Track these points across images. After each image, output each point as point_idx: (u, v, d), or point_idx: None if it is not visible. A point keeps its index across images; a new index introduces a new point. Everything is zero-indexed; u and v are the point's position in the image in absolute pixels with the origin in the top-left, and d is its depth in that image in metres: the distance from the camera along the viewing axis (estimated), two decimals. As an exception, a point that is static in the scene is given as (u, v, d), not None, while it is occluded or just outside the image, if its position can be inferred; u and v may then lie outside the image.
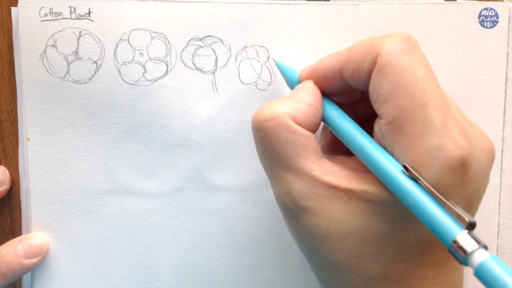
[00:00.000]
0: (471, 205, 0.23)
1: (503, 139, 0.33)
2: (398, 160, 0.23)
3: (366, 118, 0.27)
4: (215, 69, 0.32)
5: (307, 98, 0.25)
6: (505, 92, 0.33)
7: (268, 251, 0.33)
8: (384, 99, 0.23)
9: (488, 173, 0.24)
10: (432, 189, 0.21)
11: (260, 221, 0.32)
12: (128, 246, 0.33)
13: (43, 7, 0.31)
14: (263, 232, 0.33)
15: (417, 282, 0.23)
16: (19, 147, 0.32)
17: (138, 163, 0.32)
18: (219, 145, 0.32)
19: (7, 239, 0.32)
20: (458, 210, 0.20)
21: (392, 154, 0.23)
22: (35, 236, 0.32)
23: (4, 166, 0.33)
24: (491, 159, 0.24)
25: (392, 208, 0.23)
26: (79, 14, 0.31)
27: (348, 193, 0.23)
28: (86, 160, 0.32)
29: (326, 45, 0.32)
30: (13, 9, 0.31)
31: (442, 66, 0.32)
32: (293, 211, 0.24)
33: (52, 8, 0.31)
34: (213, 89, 0.32)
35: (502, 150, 0.33)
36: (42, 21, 0.31)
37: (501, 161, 0.33)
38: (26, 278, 0.33)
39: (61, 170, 0.32)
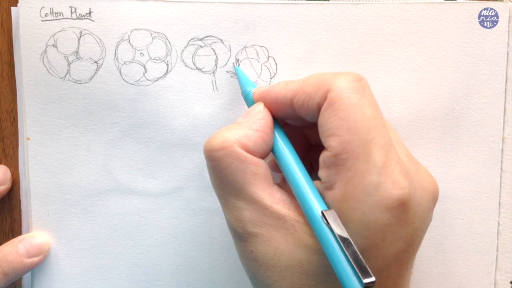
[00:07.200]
0: (410, 244, 0.24)
1: (503, 139, 0.33)
2: (335, 195, 0.23)
3: (317, 143, 0.27)
4: (215, 69, 0.32)
5: (257, 123, 0.26)
6: (505, 92, 0.33)
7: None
8: (331, 132, 0.23)
9: (429, 213, 0.25)
10: (339, 240, 0.22)
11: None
12: (128, 246, 0.33)
13: (43, 7, 0.31)
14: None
15: None
16: (19, 147, 0.32)
17: (139, 162, 0.32)
18: (219, 144, 0.32)
19: (7, 239, 0.32)
20: (365, 264, 0.21)
21: (333, 186, 0.23)
22: (36, 235, 0.32)
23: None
24: (433, 199, 0.25)
25: None
26: (79, 14, 0.31)
27: (294, 225, 0.24)
28: (87, 159, 0.32)
29: (326, 44, 0.32)
30: (13, 9, 0.31)
31: (442, 65, 0.32)
32: (242, 237, 0.25)
33: (52, 8, 0.31)
34: (213, 89, 0.32)
35: (502, 150, 0.33)
36: (42, 21, 0.31)
37: (501, 161, 0.33)
38: (26, 278, 0.33)
39: (61, 169, 0.32)
